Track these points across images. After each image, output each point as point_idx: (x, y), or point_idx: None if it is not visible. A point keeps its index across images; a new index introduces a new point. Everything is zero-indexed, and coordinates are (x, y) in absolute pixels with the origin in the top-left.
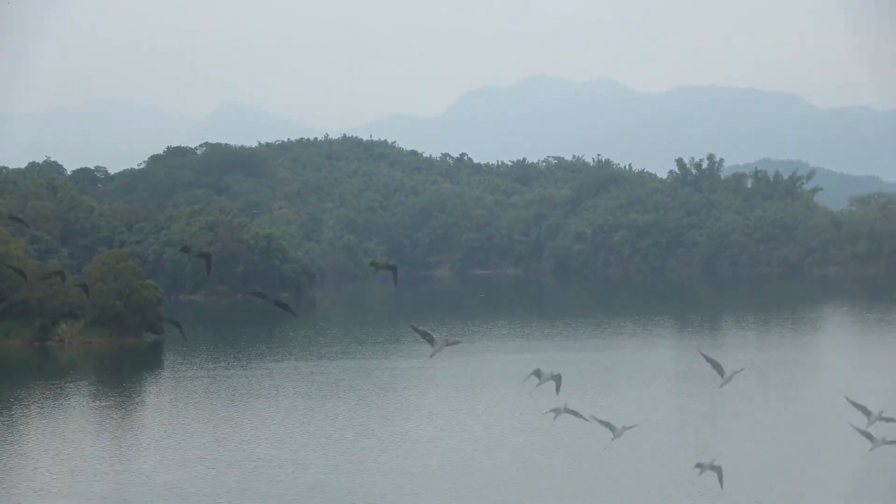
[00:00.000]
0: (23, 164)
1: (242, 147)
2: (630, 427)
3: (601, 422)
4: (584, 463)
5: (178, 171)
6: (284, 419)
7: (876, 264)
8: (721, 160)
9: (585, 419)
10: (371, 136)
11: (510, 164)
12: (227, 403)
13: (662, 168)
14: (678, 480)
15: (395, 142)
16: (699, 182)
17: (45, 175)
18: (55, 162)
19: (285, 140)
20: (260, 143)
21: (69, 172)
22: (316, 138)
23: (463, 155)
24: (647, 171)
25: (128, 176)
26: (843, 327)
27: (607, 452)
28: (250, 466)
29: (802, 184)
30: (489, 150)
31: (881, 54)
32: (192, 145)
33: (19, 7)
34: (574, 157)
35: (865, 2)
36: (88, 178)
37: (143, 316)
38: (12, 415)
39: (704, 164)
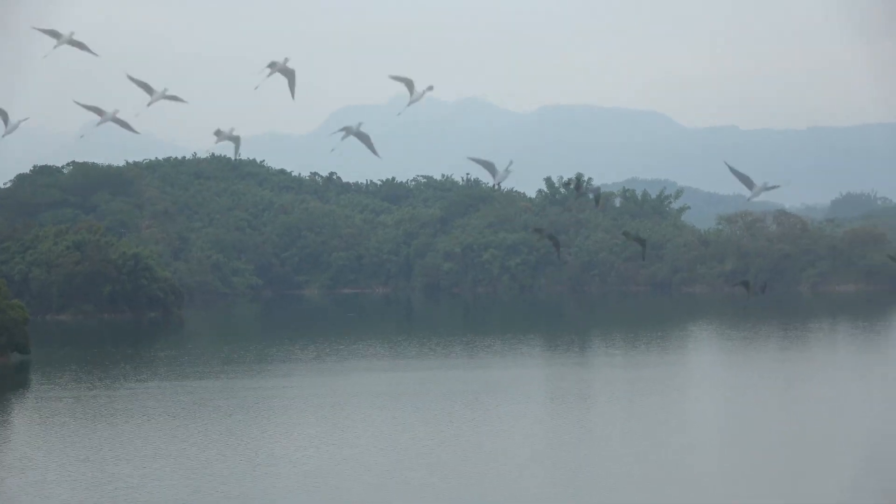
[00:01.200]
0: None
1: (110, 166)
2: None
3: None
4: (449, 481)
5: (45, 189)
6: (147, 440)
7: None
8: (590, 179)
9: None
10: (239, 155)
11: (379, 182)
12: (90, 424)
13: (531, 187)
14: (548, 496)
15: (263, 160)
16: (567, 201)
17: None
18: None
19: (153, 159)
20: (128, 162)
21: None
22: (184, 157)
23: (332, 174)
24: (516, 191)
25: None
26: (710, 345)
27: (472, 468)
28: (111, 487)
29: (670, 203)
30: (358, 168)
31: (746, 73)
32: (60, 164)
33: None
34: (443, 176)
35: (728, 22)
36: None
37: (10, 336)
38: None
39: (573, 184)
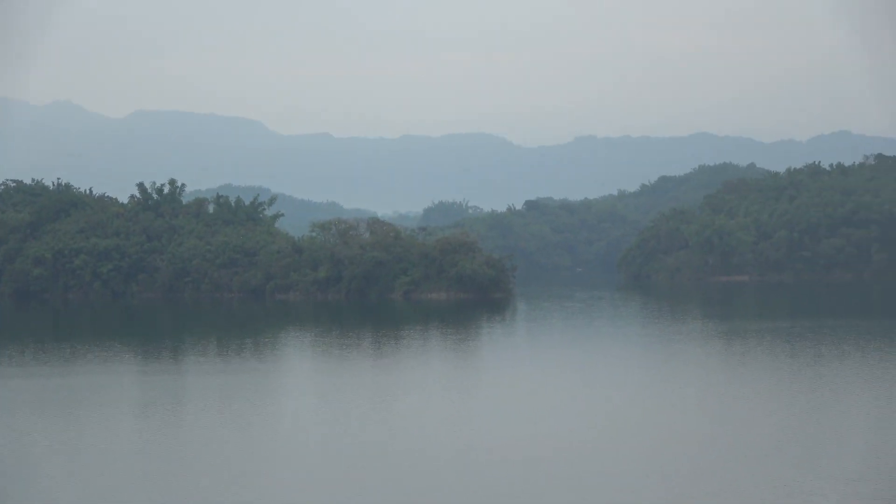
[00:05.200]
0: None
1: None
2: None
3: None
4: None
5: None
6: None
7: (336, 289)
8: (183, 185)
9: None
10: None
11: None
12: None
13: (125, 193)
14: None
15: None
16: (161, 207)
17: None
18: None
19: None
20: None
21: None
22: None
23: None
24: (108, 196)
25: None
26: (302, 351)
27: (43, 476)
28: None
29: (264, 209)
30: None
31: (339, 82)
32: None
33: None
34: (34, 180)
35: (319, 30)
36: None
37: None
38: None
39: (166, 189)
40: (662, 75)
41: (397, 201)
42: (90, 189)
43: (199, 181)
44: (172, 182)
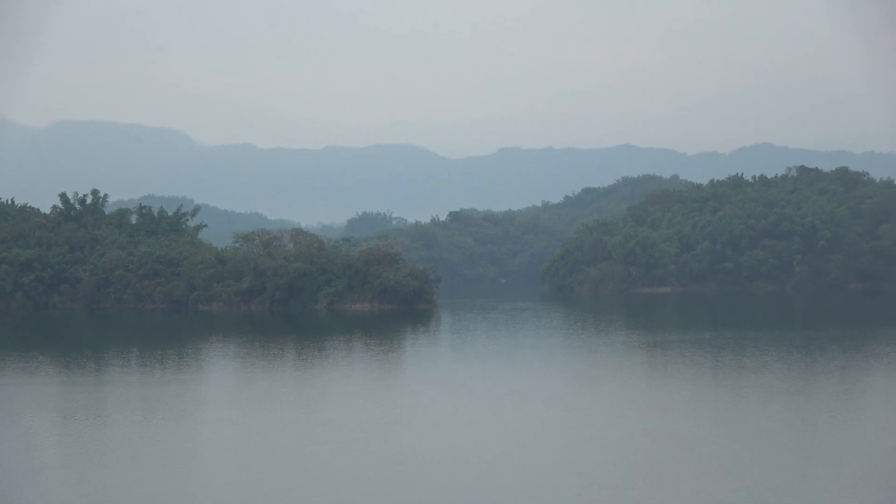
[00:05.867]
0: None
1: None
2: None
3: None
4: None
5: None
6: None
7: (260, 300)
8: (105, 195)
9: None
10: None
11: None
12: None
13: (47, 203)
14: None
15: None
16: (83, 217)
17: None
18: None
19: None
20: None
21: None
22: None
23: None
24: (30, 206)
25: None
26: (225, 363)
27: None
28: None
29: (187, 220)
30: None
31: (261, 91)
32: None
33: None
34: None
35: (241, 40)
36: None
37: None
38: None
39: (89, 200)
40: (586, 88)
41: (321, 212)
42: (11, 199)
43: (121, 191)
44: (95, 192)
